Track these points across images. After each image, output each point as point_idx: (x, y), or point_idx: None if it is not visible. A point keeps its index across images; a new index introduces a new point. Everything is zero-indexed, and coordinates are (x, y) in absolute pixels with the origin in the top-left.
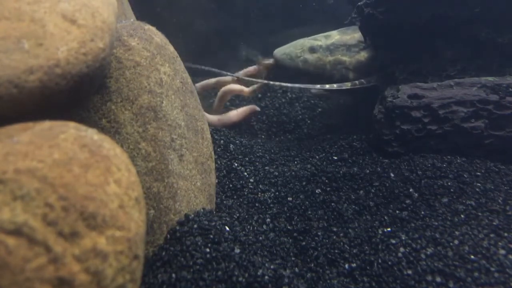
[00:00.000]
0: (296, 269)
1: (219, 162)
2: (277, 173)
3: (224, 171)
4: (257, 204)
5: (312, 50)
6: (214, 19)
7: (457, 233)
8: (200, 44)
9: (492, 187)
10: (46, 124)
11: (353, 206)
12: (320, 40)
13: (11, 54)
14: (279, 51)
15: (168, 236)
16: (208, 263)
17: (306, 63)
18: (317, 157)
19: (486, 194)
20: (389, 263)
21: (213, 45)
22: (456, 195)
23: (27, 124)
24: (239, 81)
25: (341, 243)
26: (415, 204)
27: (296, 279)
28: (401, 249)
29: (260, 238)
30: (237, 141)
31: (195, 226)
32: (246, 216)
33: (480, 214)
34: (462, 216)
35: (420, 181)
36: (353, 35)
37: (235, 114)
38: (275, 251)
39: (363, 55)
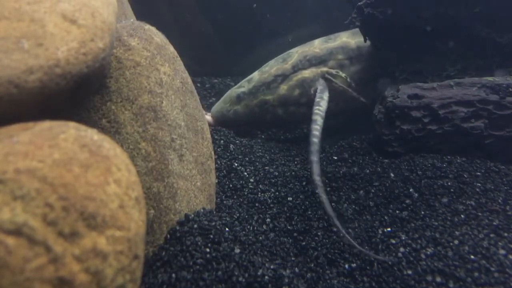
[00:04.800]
0: (296, 269)
1: (219, 162)
2: (277, 173)
3: (224, 171)
4: (257, 204)
5: (238, 99)
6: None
7: (457, 233)
8: (201, 48)
9: (492, 187)
10: (46, 124)
11: (353, 206)
12: (244, 86)
13: (11, 54)
14: (214, 109)
15: (168, 236)
16: (208, 263)
17: (237, 113)
18: None
19: (486, 194)
20: (389, 263)
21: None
22: (456, 195)
23: (27, 124)
24: None
25: (341, 243)
26: (415, 204)
27: (296, 279)
28: (401, 249)
29: (260, 238)
30: (237, 141)
31: (195, 226)
32: (246, 216)
33: (480, 214)
34: (462, 216)
35: (420, 181)
36: (269, 72)
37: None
38: (275, 251)
39: (283, 88)
